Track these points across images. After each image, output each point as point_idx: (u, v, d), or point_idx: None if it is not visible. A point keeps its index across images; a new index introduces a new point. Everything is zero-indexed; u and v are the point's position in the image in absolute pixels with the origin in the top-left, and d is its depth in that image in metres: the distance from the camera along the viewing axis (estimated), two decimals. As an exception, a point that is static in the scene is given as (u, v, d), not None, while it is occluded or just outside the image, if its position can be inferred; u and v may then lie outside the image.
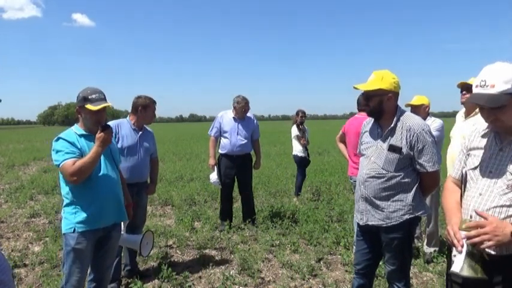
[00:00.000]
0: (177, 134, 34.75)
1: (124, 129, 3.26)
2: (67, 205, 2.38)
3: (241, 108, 4.75)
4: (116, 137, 3.16)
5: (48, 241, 4.45)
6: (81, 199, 2.34)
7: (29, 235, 4.80)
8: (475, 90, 1.58)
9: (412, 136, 2.17)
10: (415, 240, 3.98)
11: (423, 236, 4.02)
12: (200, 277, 3.52)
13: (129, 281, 3.29)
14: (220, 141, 4.92)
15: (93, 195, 2.35)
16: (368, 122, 2.48)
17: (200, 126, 61.63)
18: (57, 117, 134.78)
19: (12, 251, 4.22)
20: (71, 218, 2.34)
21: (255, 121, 4.98)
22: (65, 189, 2.38)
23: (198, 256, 4.00)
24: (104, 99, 2.41)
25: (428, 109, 3.87)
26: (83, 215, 2.33)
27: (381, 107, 2.24)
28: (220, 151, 4.88)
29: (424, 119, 3.84)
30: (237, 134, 4.75)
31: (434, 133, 3.69)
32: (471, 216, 1.59)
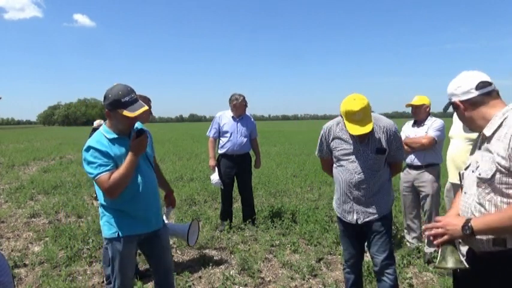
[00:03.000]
0: (177, 134, 34.75)
1: None
2: (106, 209, 2.25)
3: (241, 103, 4.74)
4: None
5: (48, 241, 4.45)
6: (121, 203, 2.21)
7: (29, 235, 4.80)
8: None
9: (389, 136, 2.40)
10: (415, 240, 3.98)
11: (423, 236, 4.01)
12: (200, 277, 3.52)
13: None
14: (219, 142, 4.91)
15: (132, 198, 2.21)
16: (334, 127, 2.49)
17: (200, 126, 61.64)
18: (57, 117, 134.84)
19: (12, 251, 4.22)
20: (113, 223, 2.23)
21: (252, 120, 4.98)
22: (101, 195, 2.23)
23: (198, 256, 4.00)
24: (137, 100, 2.17)
25: (429, 109, 3.87)
26: (124, 219, 2.22)
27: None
28: (219, 151, 4.87)
29: (425, 119, 3.84)
30: (237, 133, 4.75)
31: (435, 133, 3.71)
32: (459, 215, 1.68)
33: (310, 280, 3.42)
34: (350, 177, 2.44)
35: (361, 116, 2.20)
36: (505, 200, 1.46)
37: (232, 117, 4.79)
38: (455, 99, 1.64)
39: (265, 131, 33.22)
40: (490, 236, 1.50)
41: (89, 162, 2.12)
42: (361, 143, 2.39)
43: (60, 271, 3.61)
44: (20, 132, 52.19)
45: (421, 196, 3.86)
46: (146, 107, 2.17)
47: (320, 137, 2.58)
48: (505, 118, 1.50)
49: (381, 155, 2.39)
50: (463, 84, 1.61)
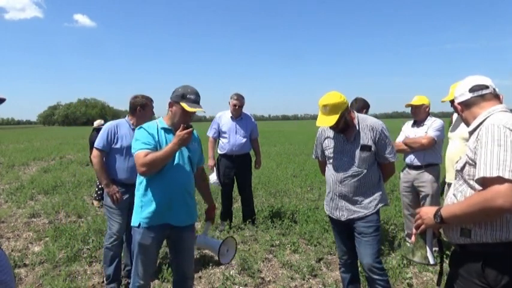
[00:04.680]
0: (177, 134, 34.67)
1: (123, 129, 3.25)
2: (138, 196, 2.41)
3: (238, 102, 4.73)
4: (114, 137, 3.17)
5: (48, 241, 4.45)
6: (150, 192, 2.35)
7: (29, 235, 4.80)
8: None
9: (375, 134, 2.48)
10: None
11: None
12: (200, 277, 3.52)
13: (129, 281, 3.27)
14: (219, 142, 4.92)
15: (161, 189, 2.34)
16: (326, 128, 2.63)
17: (200, 126, 61.59)
18: (57, 117, 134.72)
19: (12, 251, 4.22)
20: (138, 212, 2.38)
21: (253, 120, 4.98)
22: (138, 179, 2.42)
23: (198, 256, 4.00)
24: (199, 103, 2.41)
25: (429, 109, 3.87)
26: (148, 210, 2.34)
27: (346, 123, 2.47)
28: (219, 151, 4.88)
29: (425, 119, 3.84)
30: (236, 133, 4.75)
31: (435, 133, 3.71)
32: None
33: (310, 280, 3.43)
34: (337, 174, 2.55)
35: (328, 109, 2.36)
36: (472, 191, 1.53)
37: (231, 117, 4.80)
38: (455, 101, 1.76)
39: (265, 131, 33.22)
40: (458, 227, 1.57)
41: (136, 139, 2.36)
42: (348, 141, 2.52)
43: (60, 271, 3.61)
44: (20, 132, 52.19)
45: (420, 196, 3.86)
46: (202, 109, 2.37)
47: (316, 139, 2.75)
48: (488, 117, 1.57)
49: (366, 151, 2.46)
50: (460, 88, 1.72)
